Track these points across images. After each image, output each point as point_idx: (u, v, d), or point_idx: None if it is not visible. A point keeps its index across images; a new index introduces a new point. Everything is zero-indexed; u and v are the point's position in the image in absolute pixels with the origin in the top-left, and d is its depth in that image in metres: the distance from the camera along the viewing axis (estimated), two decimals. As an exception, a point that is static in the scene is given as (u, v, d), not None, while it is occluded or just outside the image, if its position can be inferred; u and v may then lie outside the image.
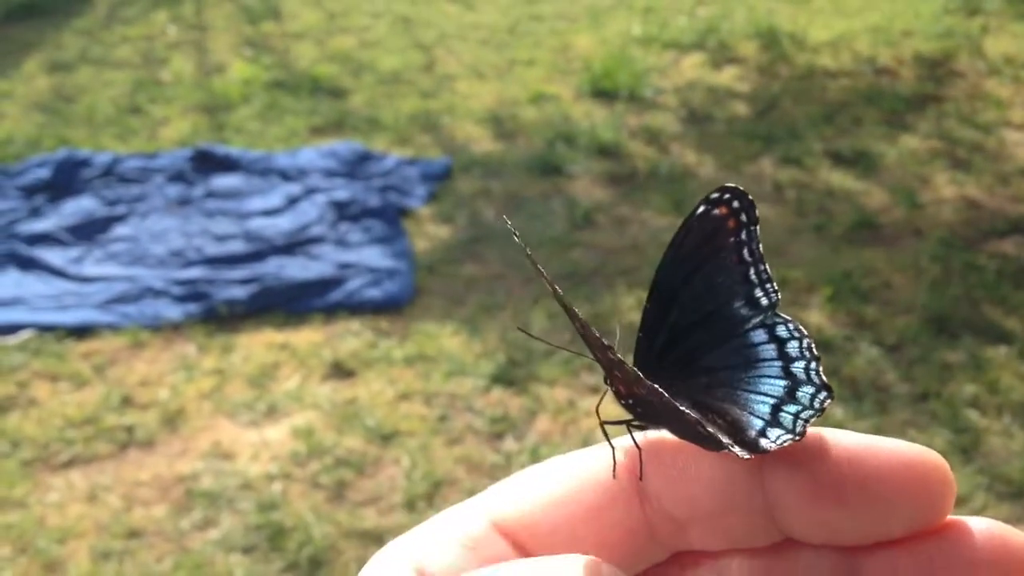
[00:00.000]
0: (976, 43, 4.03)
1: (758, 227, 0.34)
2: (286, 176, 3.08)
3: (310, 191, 2.97)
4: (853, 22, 4.39)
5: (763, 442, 0.29)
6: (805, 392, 0.31)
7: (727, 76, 3.89)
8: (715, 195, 0.34)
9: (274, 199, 2.94)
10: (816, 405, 0.31)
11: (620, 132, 3.40)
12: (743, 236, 0.34)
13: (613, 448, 0.31)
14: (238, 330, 2.35)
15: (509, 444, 1.97)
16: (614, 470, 0.30)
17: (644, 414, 0.32)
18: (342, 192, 2.95)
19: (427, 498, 1.83)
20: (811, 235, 2.74)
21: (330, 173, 3.09)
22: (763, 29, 4.31)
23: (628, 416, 0.33)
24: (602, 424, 0.34)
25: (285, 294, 2.45)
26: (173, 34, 4.52)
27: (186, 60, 4.20)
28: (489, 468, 1.91)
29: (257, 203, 2.93)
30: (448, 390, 2.13)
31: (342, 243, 2.71)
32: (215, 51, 4.33)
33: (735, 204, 0.34)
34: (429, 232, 2.83)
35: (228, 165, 3.12)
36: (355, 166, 3.14)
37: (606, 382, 0.34)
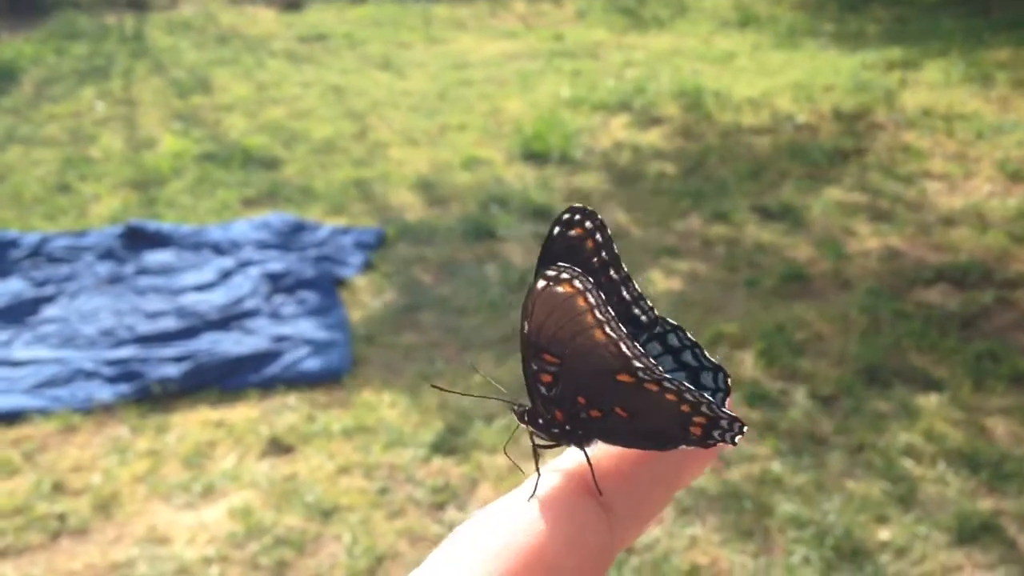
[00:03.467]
0: (894, 97, 4.15)
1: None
2: (219, 250, 3.06)
3: (243, 264, 2.95)
4: (775, 80, 4.51)
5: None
6: (707, 377, 0.36)
7: (654, 136, 3.96)
8: (566, 216, 0.36)
9: (207, 273, 2.92)
10: (722, 385, 0.35)
11: (552, 194, 3.44)
12: (605, 255, 0.36)
13: (539, 474, 0.34)
14: (172, 409, 2.32)
15: (451, 514, 1.95)
16: (533, 492, 0.32)
17: (584, 435, 0.35)
18: (276, 264, 2.94)
19: (369, 574, 1.81)
20: (743, 290, 2.78)
21: (263, 245, 3.07)
22: (688, 89, 4.40)
23: (547, 442, 0.36)
24: (535, 447, 0.37)
25: (219, 370, 2.42)
26: (101, 110, 4.50)
27: (115, 136, 4.18)
28: (432, 539, 1.89)
29: (189, 278, 2.90)
30: (388, 461, 2.11)
31: (277, 316, 2.70)
32: (144, 126, 4.31)
33: (588, 224, 0.35)
34: (365, 301, 2.82)
35: (160, 241, 3.10)
36: (289, 237, 3.13)
37: (523, 420, 0.37)
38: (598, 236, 0.36)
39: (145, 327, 2.64)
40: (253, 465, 2.11)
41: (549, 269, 0.34)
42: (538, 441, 0.37)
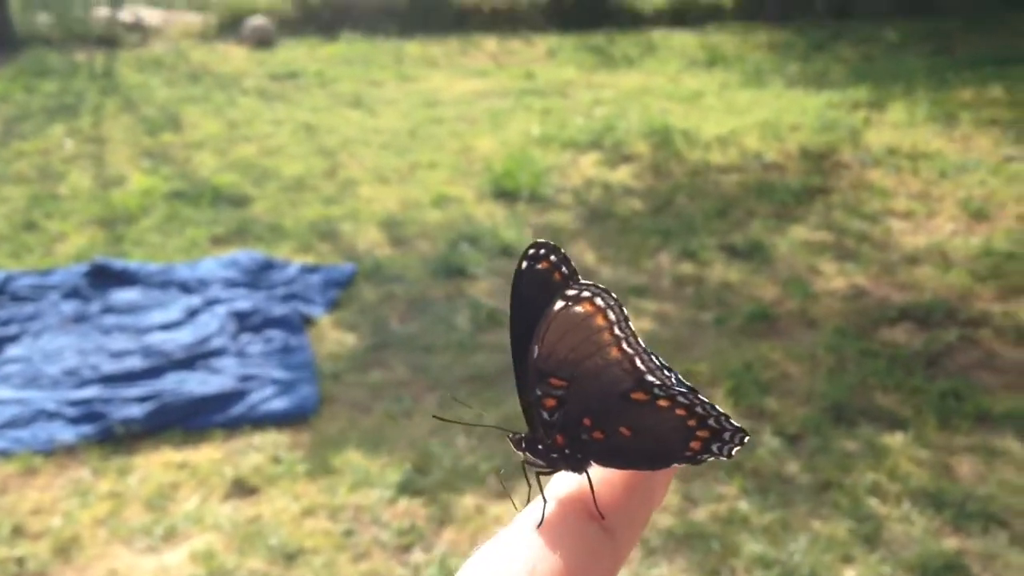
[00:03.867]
0: (859, 136, 4.20)
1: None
2: (186, 288, 3.04)
3: (210, 302, 2.94)
4: (743, 118, 4.55)
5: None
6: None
7: (624, 174, 3.99)
8: (531, 251, 0.37)
9: (173, 312, 2.90)
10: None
11: (522, 232, 3.44)
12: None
13: (530, 489, 0.35)
14: (135, 450, 2.29)
15: (417, 556, 1.94)
16: (540, 521, 0.33)
17: (583, 458, 0.35)
18: (243, 302, 2.93)
19: (333, 618, 1.79)
20: (711, 328, 2.79)
21: (231, 283, 3.06)
22: (657, 127, 4.44)
23: (543, 466, 0.36)
24: (527, 472, 0.37)
25: (184, 410, 2.40)
26: (70, 148, 4.48)
27: (84, 173, 4.16)
28: (397, 582, 1.88)
29: (156, 317, 2.88)
30: (354, 503, 2.09)
31: (243, 355, 2.68)
32: (113, 163, 4.29)
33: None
34: (333, 340, 2.81)
35: (126, 279, 3.08)
36: (257, 275, 3.12)
37: (520, 448, 0.37)
38: (563, 268, 0.37)
39: (110, 366, 2.61)
40: (216, 507, 2.09)
41: (570, 288, 0.35)
42: (535, 468, 0.37)
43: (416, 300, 3.02)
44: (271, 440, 2.32)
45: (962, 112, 4.45)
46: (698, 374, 2.52)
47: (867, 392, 2.44)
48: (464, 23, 7.01)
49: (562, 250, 0.36)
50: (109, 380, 2.55)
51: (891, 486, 2.10)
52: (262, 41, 6.63)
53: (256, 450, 2.28)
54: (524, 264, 0.37)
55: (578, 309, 0.35)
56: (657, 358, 0.37)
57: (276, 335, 2.77)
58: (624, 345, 0.35)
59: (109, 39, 6.74)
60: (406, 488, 2.13)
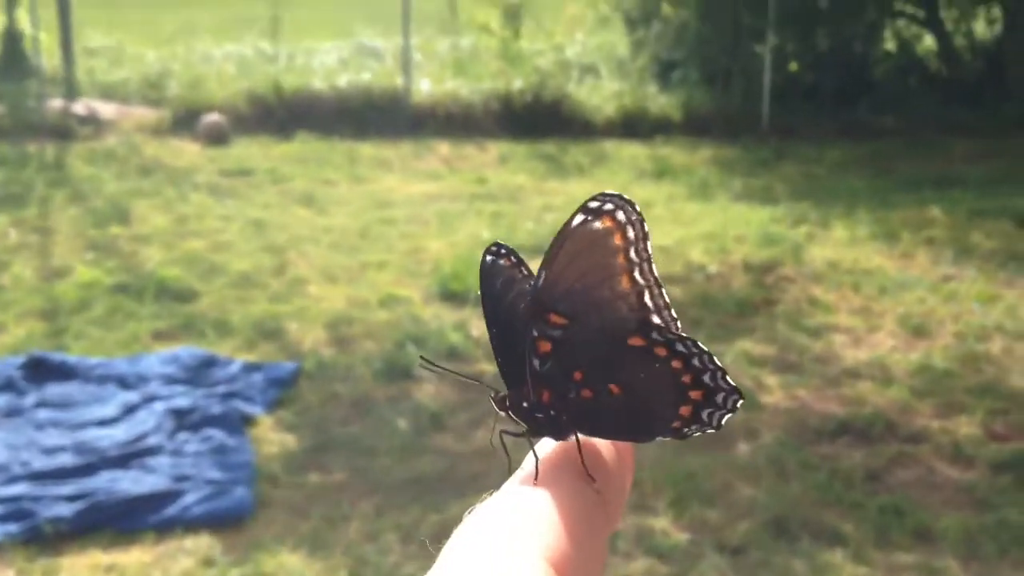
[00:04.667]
0: (802, 251, 4.29)
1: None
2: (124, 383, 2.99)
3: (149, 399, 2.89)
4: (689, 230, 4.63)
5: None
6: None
7: (572, 280, 4.02)
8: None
9: (110, 408, 2.84)
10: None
11: (468, 335, 3.44)
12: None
13: (510, 459, 0.33)
14: (62, 551, 2.22)
15: (349, 668, 1.89)
16: (536, 476, 0.31)
17: (568, 420, 0.33)
18: (182, 400, 2.88)
19: None
20: (654, 438, 2.78)
21: (171, 380, 3.01)
22: (606, 235, 4.49)
23: (523, 427, 0.34)
24: (503, 441, 0.35)
25: (115, 510, 2.34)
26: (14, 238, 4.44)
27: (26, 264, 4.11)
28: None
29: (92, 412, 2.83)
30: (286, 610, 2.04)
31: (180, 453, 2.63)
32: (58, 255, 4.25)
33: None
34: (273, 440, 2.77)
35: (64, 373, 3.02)
36: (198, 372, 3.08)
37: (503, 407, 0.35)
38: (523, 268, 0.35)
39: (40, 463, 2.54)
40: (143, 613, 2.02)
41: (592, 199, 0.32)
42: (513, 434, 0.35)
43: (359, 401, 2.99)
44: (204, 543, 2.26)
45: (902, 231, 4.57)
46: (640, 484, 2.50)
47: (808, 506, 2.44)
48: (419, 127, 7.10)
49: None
50: (39, 477, 2.48)
51: (831, 603, 2.09)
52: (216, 137, 6.66)
53: (187, 554, 2.22)
54: (488, 259, 0.36)
55: (597, 225, 0.32)
56: (664, 293, 0.34)
57: (214, 434, 2.72)
58: (636, 274, 0.32)
59: (62, 131, 6.73)
60: (341, 596, 2.08)
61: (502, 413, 0.35)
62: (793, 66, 7.74)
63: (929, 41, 8.05)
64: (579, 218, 0.32)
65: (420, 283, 3.98)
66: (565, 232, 0.33)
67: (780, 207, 4.97)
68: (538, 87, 7.36)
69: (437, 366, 0.41)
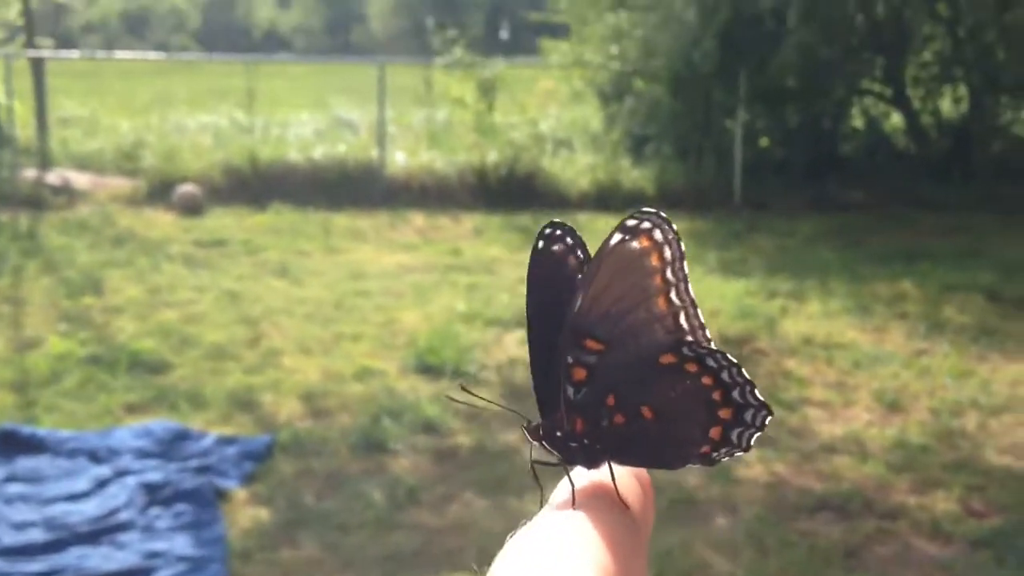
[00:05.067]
0: (776, 324, 4.32)
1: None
2: (96, 457, 2.95)
3: (120, 473, 2.85)
4: (664, 302, 4.65)
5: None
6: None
7: (548, 353, 4.02)
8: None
9: (81, 483, 2.80)
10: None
11: (444, 408, 3.43)
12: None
13: (542, 490, 0.33)
14: (29, 631, 2.16)
15: None
16: (573, 502, 0.30)
17: (601, 449, 0.33)
18: (155, 474, 2.84)
19: None
20: (632, 513, 2.76)
21: (143, 454, 2.97)
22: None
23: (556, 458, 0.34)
24: (535, 472, 0.35)
25: (85, 589, 2.29)
26: (-15, 307, 4.39)
27: (-3, 335, 4.07)
28: None
29: (62, 487, 2.78)
30: None
31: (151, 530, 2.58)
32: (30, 326, 4.21)
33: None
34: (246, 515, 2.73)
35: (34, 446, 2.98)
36: (170, 446, 3.04)
37: (536, 436, 0.34)
38: (579, 252, 0.35)
39: (9, 539, 2.49)
40: None
41: (630, 217, 0.32)
42: (546, 464, 0.34)
43: (334, 475, 2.96)
44: (175, 622, 2.21)
45: (875, 304, 4.61)
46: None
47: (788, 583, 2.43)
48: (393, 198, 7.14)
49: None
50: (7, 554, 2.43)
51: None
52: (191, 208, 6.66)
53: (158, 633, 2.17)
54: (540, 244, 0.35)
55: (634, 245, 0.32)
56: (700, 313, 0.34)
57: (187, 509, 2.68)
58: (672, 294, 0.32)
59: (35, 200, 6.71)
60: (316, 677, 2.03)
61: (535, 443, 0.35)
62: (764, 141, 7.87)
63: (896, 118, 8.23)
64: (616, 237, 0.32)
65: (395, 355, 3.97)
66: (603, 252, 0.33)
67: (754, 280, 5.01)
68: (512, 160, 7.44)
69: (473, 394, 0.41)
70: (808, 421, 3.36)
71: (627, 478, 0.33)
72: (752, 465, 3.04)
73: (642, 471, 0.34)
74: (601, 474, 0.33)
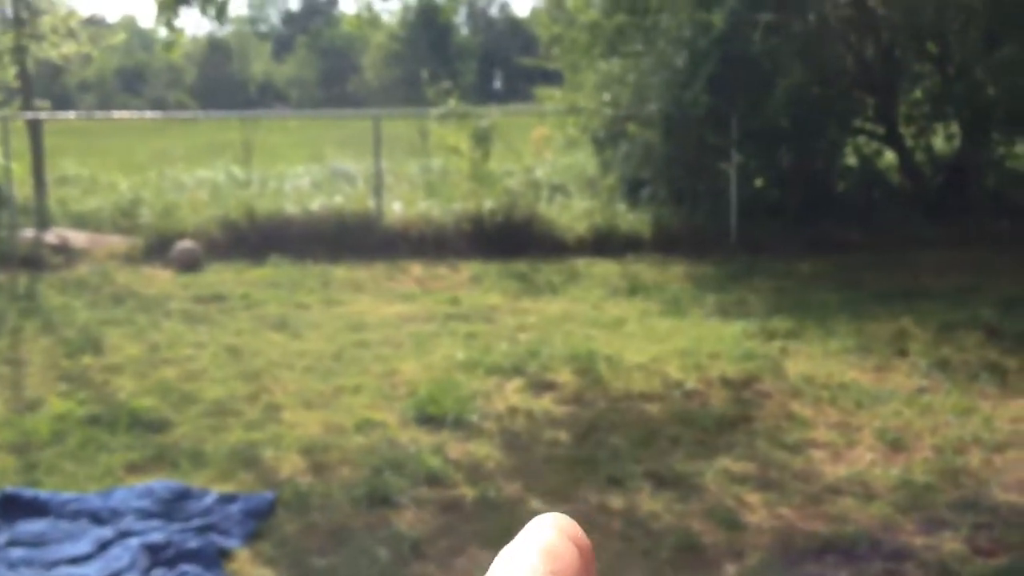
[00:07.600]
0: (777, 365, 4.32)
1: None
2: (98, 519, 2.93)
3: (123, 534, 2.83)
4: (664, 346, 4.65)
5: None
6: None
7: (547, 401, 4.01)
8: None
9: (83, 545, 2.78)
10: None
11: (447, 459, 3.41)
12: None
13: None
14: None
15: None
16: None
17: None
18: (157, 535, 2.82)
19: None
20: (639, 560, 2.75)
21: (145, 514, 2.96)
22: (580, 353, 4.51)
23: None
24: None
25: (88, 654, 2.26)
26: (-15, 369, 4.39)
27: (-3, 396, 4.06)
28: None
29: (65, 550, 2.76)
30: None
31: (155, 592, 2.56)
32: (30, 387, 4.21)
33: None
34: (250, 573, 2.71)
35: (36, 509, 2.96)
36: (172, 505, 3.02)
37: None
38: None
39: (10, 605, 2.47)
40: None
41: None
42: None
43: (337, 531, 2.94)
44: None
45: (875, 343, 4.61)
46: (626, 610, 2.46)
47: (797, 629, 2.40)
48: (391, 248, 7.16)
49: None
50: (8, 620, 2.40)
51: None
52: (189, 264, 6.67)
53: None
54: None
55: None
56: None
57: (190, 570, 2.66)
58: None
59: (33, 260, 6.73)
60: None
61: None
62: (758, 182, 7.91)
63: (890, 156, 8.27)
64: None
65: (396, 406, 3.96)
66: None
67: (753, 321, 5.01)
68: (508, 207, 7.48)
69: None
70: (812, 463, 3.35)
71: (562, 544, 0.35)
72: (757, 509, 3.02)
73: (579, 534, 0.36)
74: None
